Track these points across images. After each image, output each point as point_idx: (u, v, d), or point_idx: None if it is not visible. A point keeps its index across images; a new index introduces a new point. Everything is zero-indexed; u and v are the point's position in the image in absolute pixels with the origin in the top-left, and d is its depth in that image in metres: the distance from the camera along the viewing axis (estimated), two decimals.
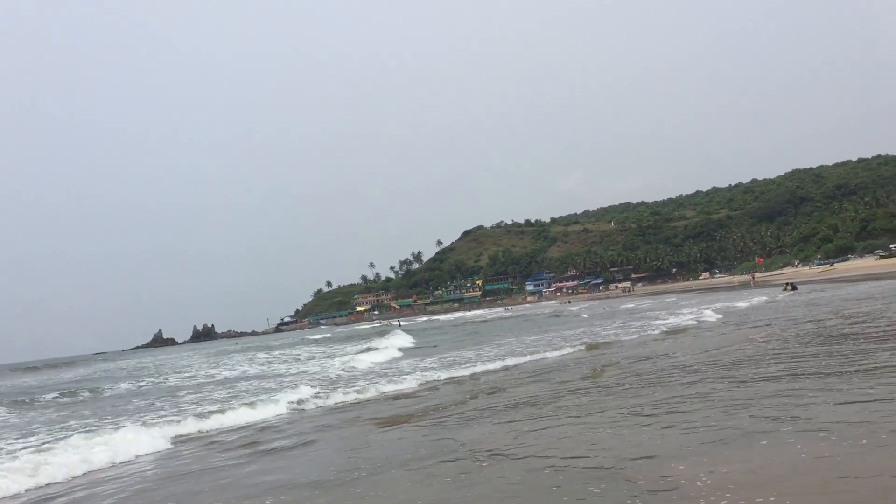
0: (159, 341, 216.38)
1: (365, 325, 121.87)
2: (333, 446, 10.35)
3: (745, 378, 11.35)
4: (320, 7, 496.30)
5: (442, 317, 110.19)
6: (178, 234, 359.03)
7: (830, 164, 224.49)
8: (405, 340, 39.42)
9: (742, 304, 35.40)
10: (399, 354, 29.75)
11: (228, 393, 20.23)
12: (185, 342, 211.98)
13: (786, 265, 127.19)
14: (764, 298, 37.68)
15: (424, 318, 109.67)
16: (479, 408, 12.00)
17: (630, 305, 57.19)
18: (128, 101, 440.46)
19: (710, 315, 29.67)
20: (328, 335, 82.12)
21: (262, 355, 42.40)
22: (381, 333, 54.29)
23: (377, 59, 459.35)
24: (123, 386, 28.88)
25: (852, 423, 7.51)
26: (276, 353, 44.24)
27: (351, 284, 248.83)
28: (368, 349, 33.30)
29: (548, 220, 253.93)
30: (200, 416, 14.48)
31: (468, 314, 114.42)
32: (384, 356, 28.73)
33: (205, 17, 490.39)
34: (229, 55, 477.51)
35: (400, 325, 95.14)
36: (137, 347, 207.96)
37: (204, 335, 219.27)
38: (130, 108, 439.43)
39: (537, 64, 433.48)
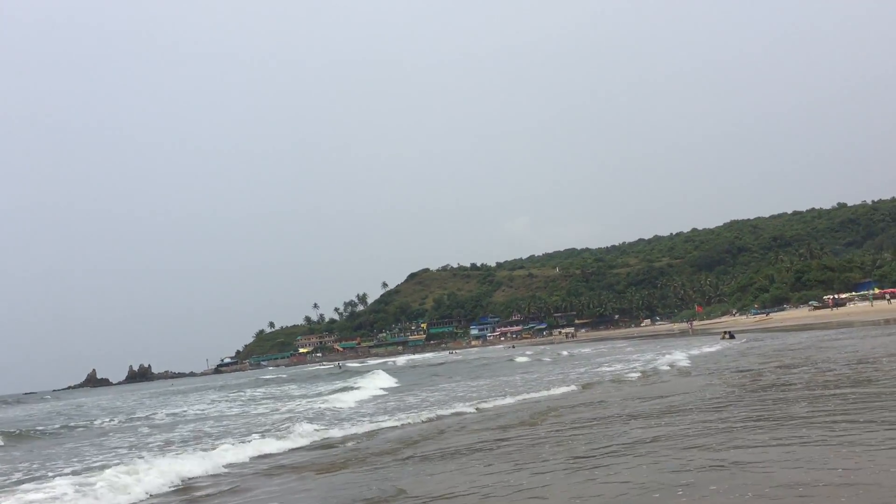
0: (93, 381, 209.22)
1: (312, 367, 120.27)
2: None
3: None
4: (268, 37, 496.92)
5: (397, 359, 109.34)
6: (115, 271, 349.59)
7: (767, 215, 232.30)
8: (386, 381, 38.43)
9: (681, 356, 33.80)
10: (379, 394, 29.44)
11: (230, 426, 20.16)
12: (119, 383, 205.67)
13: (724, 314, 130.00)
14: (712, 349, 37.65)
15: (376, 361, 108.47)
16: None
17: (586, 350, 57.50)
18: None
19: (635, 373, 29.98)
20: (283, 375, 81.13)
21: (230, 395, 41.51)
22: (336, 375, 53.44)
23: (321, 96, 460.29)
24: (115, 422, 27.62)
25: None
26: (236, 393, 42.97)
27: (294, 325, 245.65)
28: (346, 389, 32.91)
29: (493, 264, 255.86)
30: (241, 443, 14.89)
31: (417, 357, 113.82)
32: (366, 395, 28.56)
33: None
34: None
35: (340, 368, 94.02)
36: (70, 387, 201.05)
37: (140, 376, 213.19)
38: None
39: (487, 105, 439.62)
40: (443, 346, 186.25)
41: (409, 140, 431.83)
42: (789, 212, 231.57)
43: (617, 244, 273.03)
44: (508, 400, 20.34)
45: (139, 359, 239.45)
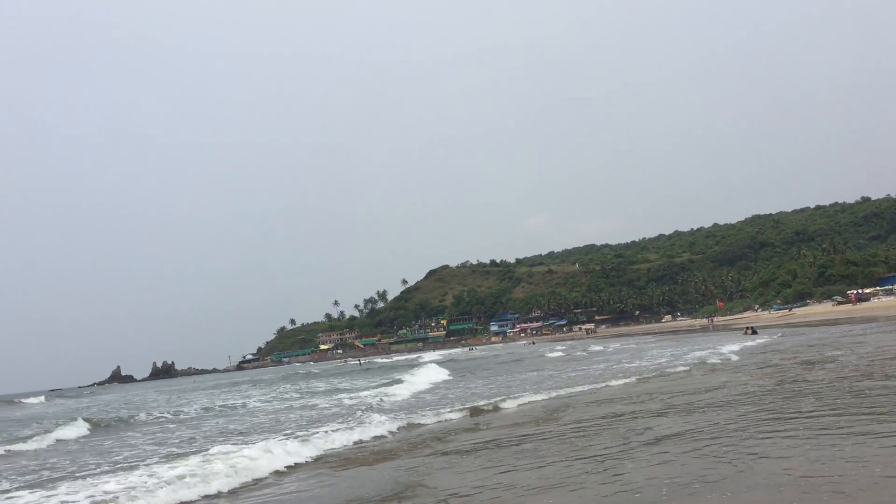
0: (118, 378, 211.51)
1: (335, 363, 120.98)
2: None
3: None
4: (276, 41, 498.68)
5: (424, 354, 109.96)
6: (138, 270, 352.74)
7: (789, 210, 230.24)
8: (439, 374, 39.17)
9: (728, 349, 33.11)
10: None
11: (312, 415, 20.79)
12: (143, 379, 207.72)
13: (746, 309, 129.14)
14: (753, 343, 37.03)
15: (402, 357, 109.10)
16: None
17: (614, 345, 57.45)
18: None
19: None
20: (314, 370, 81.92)
21: (286, 386, 42.35)
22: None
23: (342, 99, 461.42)
24: (193, 410, 28.67)
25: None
26: (287, 385, 43.58)
27: (315, 322, 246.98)
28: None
29: (513, 260, 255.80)
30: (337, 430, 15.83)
31: (444, 352, 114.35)
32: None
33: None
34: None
35: (360, 364, 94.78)
36: (95, 384, 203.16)
37: (164, 372, 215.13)
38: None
39: (506, 100, 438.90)
40: (462, 342, 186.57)
41: (429, 137, 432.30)
42: (812, 206, 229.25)
43: (637, 240, 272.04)
44: (579, 388, 20.82)
45: (162, 356, 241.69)
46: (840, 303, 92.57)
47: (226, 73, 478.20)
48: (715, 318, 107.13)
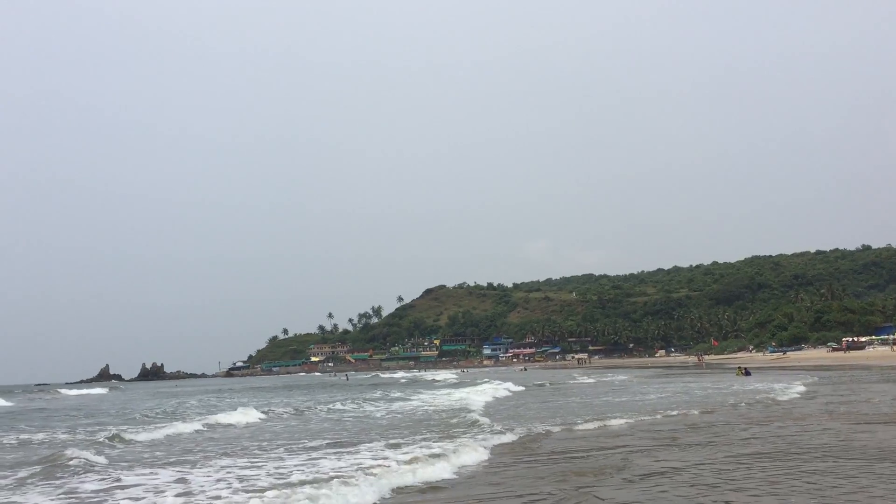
0: (105, 377, 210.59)
1: (326, 376, 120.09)
2: None
3: None
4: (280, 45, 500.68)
5: (435, 373, 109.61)
6: (131, 266, 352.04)
7: (789, 253, 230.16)
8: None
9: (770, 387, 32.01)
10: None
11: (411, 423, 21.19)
12: (132, 380, 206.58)
13: (740, 349, 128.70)
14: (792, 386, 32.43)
15: (405, 374, 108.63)
16: None
17: (621, 377, 56.92)
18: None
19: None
20: (339, 378, 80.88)
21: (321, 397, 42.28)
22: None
23: (349, 109, 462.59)
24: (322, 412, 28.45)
25: None
26: (335, 396, 42.87)
27: (307, 334, 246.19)
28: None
29: (510, 285, 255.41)
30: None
31: (447, 372, 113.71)
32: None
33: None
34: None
35: (347, 379, 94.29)
36: (82, 381, 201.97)
37: (153, 374, 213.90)
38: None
39: (513, 120, 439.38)
40: (454, 363, 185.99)
41: (433, 146, 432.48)
42: (812, 250, 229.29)
43: (636, 272, 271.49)
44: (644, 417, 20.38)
45: (151, 357, 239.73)
46: (834, 349, 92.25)
47: (223, 72, 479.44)
48: (703, 357, 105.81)
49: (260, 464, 13.20)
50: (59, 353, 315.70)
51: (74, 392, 79.62)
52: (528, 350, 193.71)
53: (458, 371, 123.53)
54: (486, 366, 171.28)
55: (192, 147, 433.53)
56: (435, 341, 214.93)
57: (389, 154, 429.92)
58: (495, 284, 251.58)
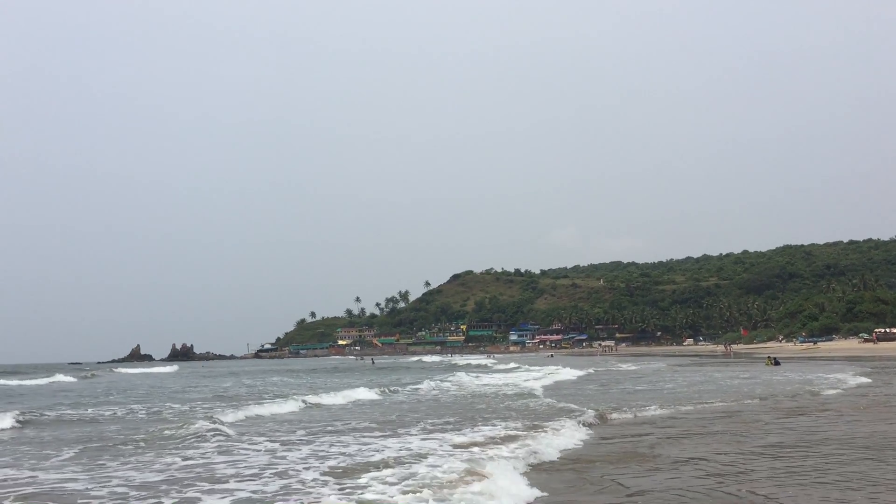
0: (136, 357, 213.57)
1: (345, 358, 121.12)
2: None
3: None
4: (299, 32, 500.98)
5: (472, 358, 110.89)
6: (161, 247, 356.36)
7: (821, 243, 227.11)
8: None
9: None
10: None
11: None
12: (162, 360, 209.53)
13: (770, 339, 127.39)
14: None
15: (436, 358, 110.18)
16: None
17: (656, 364, 56.79)
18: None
19: None
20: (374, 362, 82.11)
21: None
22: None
23: (375, 93, 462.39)
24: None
25: None
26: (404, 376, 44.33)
27: (335, 317, 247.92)
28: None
29: (538, 271, 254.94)
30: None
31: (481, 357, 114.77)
32: None
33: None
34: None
35: (374, 363, 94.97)
36: (114, 361, 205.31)
37: (182, 355, 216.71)
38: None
39: (542, 113, 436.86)
40: (480, 349, 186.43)
41: (461, 135, 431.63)
42: (845, 240, 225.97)
43: (664, 260, 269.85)
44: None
45: (181, 338, 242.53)
46: (866, 340, 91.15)
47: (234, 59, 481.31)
48: (731, 346, 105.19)
49: (433, 432, 14.80)
50: (91, 333, 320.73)
51: (136, 370, 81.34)
52: (554, 337, 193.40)
53: (487, 356, 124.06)
54: (512, 352, 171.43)
55: (228, 136, 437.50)
56: (461, 327, 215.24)
57: (422, 141, 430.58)
58: (522, 271, 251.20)
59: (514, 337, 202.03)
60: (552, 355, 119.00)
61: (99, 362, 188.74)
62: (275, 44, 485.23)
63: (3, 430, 17.13)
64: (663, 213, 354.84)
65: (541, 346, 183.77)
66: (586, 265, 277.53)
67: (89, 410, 23.06)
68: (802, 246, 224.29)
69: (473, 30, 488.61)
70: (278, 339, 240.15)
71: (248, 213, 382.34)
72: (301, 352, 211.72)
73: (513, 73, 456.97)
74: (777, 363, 46.79)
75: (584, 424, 15.59)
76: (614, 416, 17.67)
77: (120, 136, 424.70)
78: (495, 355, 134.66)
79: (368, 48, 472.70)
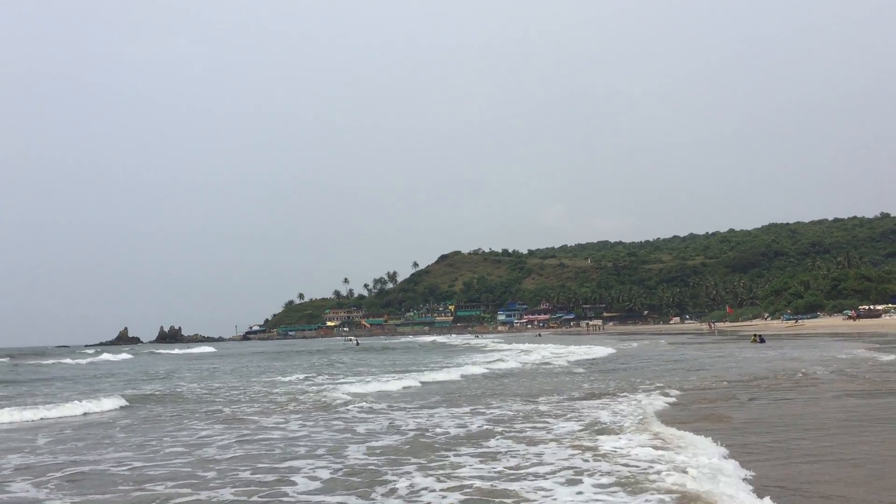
0: (124, 340, 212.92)
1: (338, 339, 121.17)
2: None
3: None
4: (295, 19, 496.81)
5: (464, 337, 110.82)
6: (148, 232, 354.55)
7: (807, 221, 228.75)
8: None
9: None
10: None
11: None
12: (150, 342, 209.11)
13: (755, 317, 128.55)
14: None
15: (428, 338, 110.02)
16: None
17: (663, 342, 57.08)
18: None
19: None
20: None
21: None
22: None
23: (365, 79, 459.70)
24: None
25: None
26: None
27: (323, 298, 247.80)
28: None
29: (525, 251, 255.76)
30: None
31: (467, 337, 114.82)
32: None
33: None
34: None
35: (357, 344, 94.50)
36: (101, 344, 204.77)
37: (170, 337, 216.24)
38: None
39: (529, 91, 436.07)
40: (469, 329, 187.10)
41: (446, 117, 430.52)
42: (830, 218, 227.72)
43: (651, 239, 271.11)
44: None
45: (168, 321, 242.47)
46: (850, 317, 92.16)
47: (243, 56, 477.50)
48: (716, 324, 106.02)
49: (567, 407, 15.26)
50: (77, 317, 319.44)
51: (176, 351, 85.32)
52: (542, 316, 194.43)
53: (475, 336, 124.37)
54: (500, 332, 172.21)
55: (214, 125, 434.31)
56: (450, 307, 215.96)
57: (407, 126, 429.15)
58: (510, 251, 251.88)
59: (502, 317, 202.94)
60: (540, 335, 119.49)
61: (87, 345, 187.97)
62: (256, 30, 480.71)
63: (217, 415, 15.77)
64: (650, 192, 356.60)
65: (529, 326, 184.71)
66: (574, 245, 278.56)
67: (203, 385, 24.80)
68: (788, 224, 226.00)
69: (469, 20, 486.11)
70: (266, 320, 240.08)
71: (235, 196, 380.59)
72: (290, 333, 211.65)
73: (502, 59, 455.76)
74: (762, 340, 47.32)
75: (661, 394, 16.61)
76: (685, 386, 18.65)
77: (104, 126, 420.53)
78: (482, 335, 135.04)
79: (355, 36, 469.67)
